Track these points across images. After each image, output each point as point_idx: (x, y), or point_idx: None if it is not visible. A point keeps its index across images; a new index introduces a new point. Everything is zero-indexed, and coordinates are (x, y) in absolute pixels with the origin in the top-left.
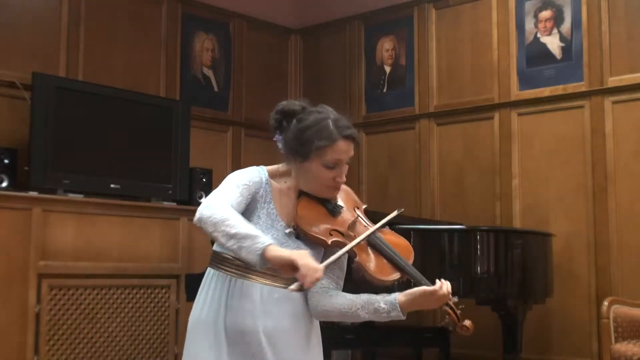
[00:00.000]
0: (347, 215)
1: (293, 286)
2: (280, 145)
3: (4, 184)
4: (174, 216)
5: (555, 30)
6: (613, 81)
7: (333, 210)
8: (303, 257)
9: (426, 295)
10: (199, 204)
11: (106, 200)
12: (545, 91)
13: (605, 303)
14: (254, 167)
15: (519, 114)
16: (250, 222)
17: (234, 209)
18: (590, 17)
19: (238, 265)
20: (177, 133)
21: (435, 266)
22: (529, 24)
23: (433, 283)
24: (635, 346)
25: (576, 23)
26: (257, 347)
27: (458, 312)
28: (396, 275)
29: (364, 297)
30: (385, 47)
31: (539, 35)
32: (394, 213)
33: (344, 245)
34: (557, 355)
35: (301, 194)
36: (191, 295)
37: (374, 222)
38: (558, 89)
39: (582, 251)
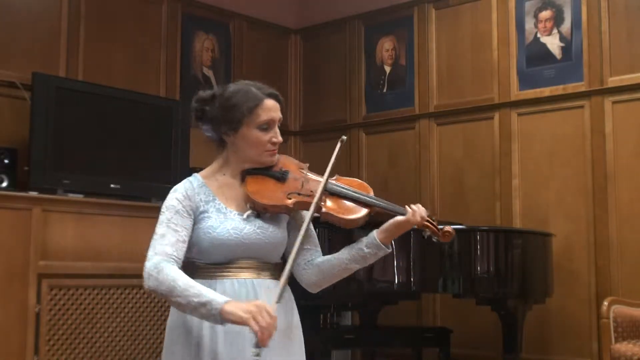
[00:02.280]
0: (295, 176)
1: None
2: (209, 133)
3: (4, 184)
4: None
5: (555, 30)
6: (613, 81)
7: (281, 177)
8: (256, 316)
9: (402, 224)
10: None
11: (106, 200)
12: (545, 91)
13: (605, 303)
14: (183, 182)
15: (519, 114)
16: (201, 224)
17: (175, 251)
18: (590, 17)
19: (213, 269)
20: (177, 133)
21: (435, 266)
22: (529, 24)
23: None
24: (635, 346)
25: (576, 23)
26: (242, 346)
27: (434, 222)
28: (365, 211)
29: (346, 251)
30: (385, 47)
31: (539, 35)
32: (337, 147)
33: (306, 203)
34: (557, 355)
35: (245, 176)
36: None
37: (321, 174)
38: (558, 89)
39: (582, 251)
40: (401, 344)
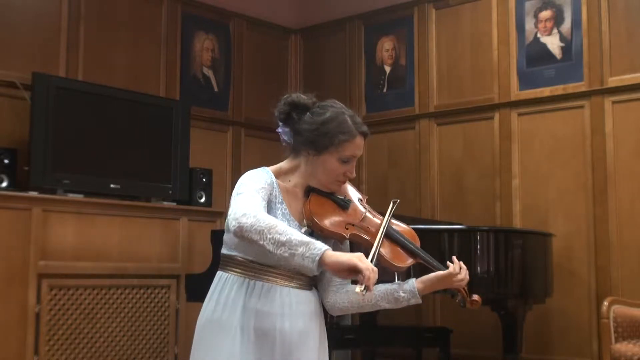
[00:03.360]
0: (356, 207)
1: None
2: (286, 137)
3: (4, 184)
4: (174, 216)
5: (555, 30)
6: (613, 81)
7: (344, 204)
8: (362, 259)
9: (443, 280)
10: (199, 204)
11: (106, 200)
12: (545, 91)
13: (605, 303)
14: (260, 169)
15: (519, 114)
16: None
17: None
18: (590, 17)
19: (253, 268)
20: (177, 133)
21: None
22: (529, 24)
23: (443, 264)
24: (635, 346)
25: (576, 23)
26: (270, 346)
27: (466, 290)
28: (411, 261)
29: (381, 288)
30: (385, 47)
31: (539, 35)
32: (392, 205)
33: (361, 237)
34: (557, 355)
35: (309, 191)
36: (191, 295)
37: (378, 212)
38: (558, 89)
39: (582, 251)
40: (401, 343)
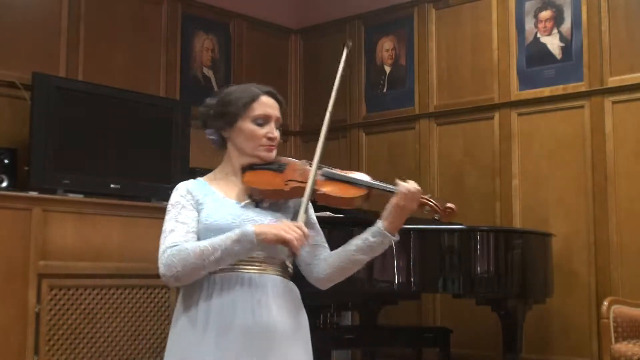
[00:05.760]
0: (294, 167)
1: (288, 260)
2: (212, 136)
3: (4, 184)
4: None
5: (555, 30)
6: (613, 81)
7: (279, 169)
8: (285, 228)
9: (399, 205)
10: None
11: (106, 200)
12: (545, 91)
13: (605, 303)
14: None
15: (519, 114)
16: (200, 216)
17: (186, 240)
18: (590, 17)
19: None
20: (177, 133)
21: (435, 266)
22: (529, 24)
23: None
24: (635, 346)
25: (576, 23)
26: (229, 315)
27: (434, 201)
28: (362, 191)
29: (353, 242)
30: (385, 47)
31: (539, 35)
32: (344, 54)
33: (301, 186)
34: (557, 355)
35: (243, 170)
36: None
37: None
38: (558, 89)
39: (582, 251)
40: (401, 344)
